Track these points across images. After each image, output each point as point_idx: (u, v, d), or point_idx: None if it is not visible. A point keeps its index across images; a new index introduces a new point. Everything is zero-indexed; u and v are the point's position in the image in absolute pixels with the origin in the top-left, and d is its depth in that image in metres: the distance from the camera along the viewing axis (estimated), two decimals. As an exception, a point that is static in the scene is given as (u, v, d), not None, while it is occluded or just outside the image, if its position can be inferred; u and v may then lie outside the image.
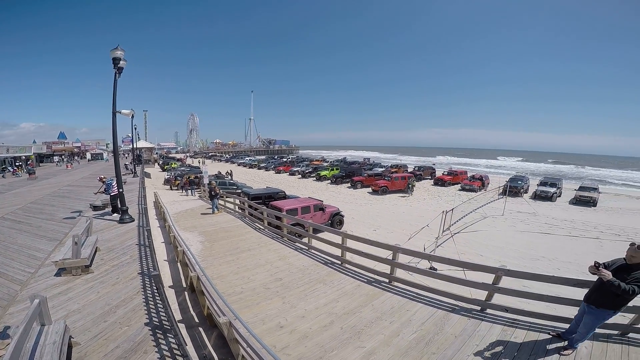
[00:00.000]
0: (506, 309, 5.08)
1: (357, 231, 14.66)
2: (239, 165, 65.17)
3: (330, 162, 59.40)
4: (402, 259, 6.93)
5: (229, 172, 39.06)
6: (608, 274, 3.43)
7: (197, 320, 5.23)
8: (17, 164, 40.45)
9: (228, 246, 9.39)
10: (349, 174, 38.23)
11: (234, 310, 3.97)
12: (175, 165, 46.78)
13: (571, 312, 4.45)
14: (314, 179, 41.78)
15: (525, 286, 6.25)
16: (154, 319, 5.00)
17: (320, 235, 9.51)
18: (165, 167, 44.55)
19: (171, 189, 26.49)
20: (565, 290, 4.73)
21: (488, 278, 5.38)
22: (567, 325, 4.37)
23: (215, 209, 14.73)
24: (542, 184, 30.06)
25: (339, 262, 7.81)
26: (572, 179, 46.86)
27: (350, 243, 7.71)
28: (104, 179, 13.17)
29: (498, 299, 5.29)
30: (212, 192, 14.78)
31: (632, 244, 3.51)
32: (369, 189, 31.77)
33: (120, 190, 11.60)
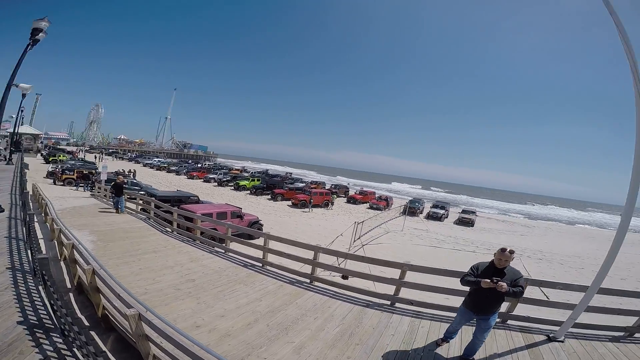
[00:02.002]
0: (411, 302, 5.70)
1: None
2: (144, 165, 58.13)
3: (252, 172, 57.84)
4: (323, 259, 7.15)
5: (132, 171, 34.57)
6: (505, 286, 3.65)
7: (87, 323, 4.39)
8: None
9: (127, 247, 8.18)
10: (270, 186, 37.91)
11: (144, 302, 3.50)
12: (64, 157, 39.00)
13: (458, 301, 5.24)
14: (232, 188, 39.98)
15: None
16: (30, 317, 4.00)
17: (239, 240, 9.06)
18: (51, 158, 36.66)
19: (55, 184, 21.98)
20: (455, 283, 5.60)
21: (395, 275, 5.98)
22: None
23: (121, 209, 12.82)
24: (434, 206, 35.45)
25: (260, 265, 7.59)
26: (458, 205, 56.03)
27: (273, 245, 7.61)
28: None
29: (405, 293, 5.87)
30: (118, 189, 12.74)
31: (503, 249, 3.77)
32: (289, 202, 32.02)
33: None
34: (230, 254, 8.30)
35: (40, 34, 8.95)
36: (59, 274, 5.92)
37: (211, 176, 45.73)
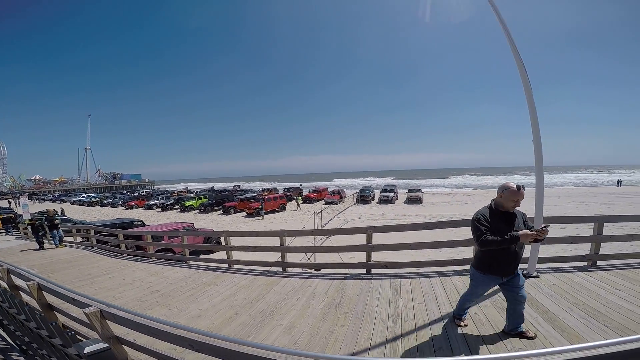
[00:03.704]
0: (385, 265, 5.87)
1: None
2: (72, 204, 51.73)
3: (196, 192, 54.84)
4: (292, 246, 7.04)
5: (60, 209, 30.63)
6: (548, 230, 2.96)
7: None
8: None
9: (76, 274, 7.26)
10: (220, 200, 36.35)
11: (103, 300, 3.08)
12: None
13: (435, 255, 5.49)
14: (178, 210, 37.53)
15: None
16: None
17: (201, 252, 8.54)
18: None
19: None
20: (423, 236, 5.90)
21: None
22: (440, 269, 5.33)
23: (60, 240, 11.54)
24: (383, 190, 37.29)
25: (226, 265, 7.21)
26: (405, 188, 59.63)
27: (237, 241, 7.30)
28: None
29: (377, 257, 6.04)
30: (34, 227, 11.31)
31: (518, 187, 3.01)
32: (243, 213, 31.08)
33: None
34: (192, 262, 7.77)
35: None
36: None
37: (152, 202, 42.51)
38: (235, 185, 74.49)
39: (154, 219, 30.88)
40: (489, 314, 3.89)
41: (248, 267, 6.96)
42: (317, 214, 17.43)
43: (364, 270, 5.98)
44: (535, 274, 4.96)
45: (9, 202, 45.60)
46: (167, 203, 40.29)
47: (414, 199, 33.62)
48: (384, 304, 4.51)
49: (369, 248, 5.94)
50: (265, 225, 24.21)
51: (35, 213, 20.17)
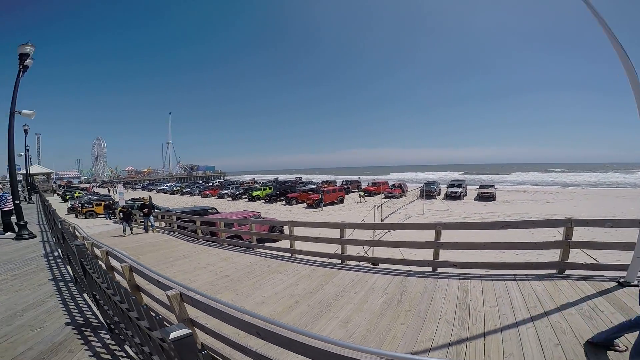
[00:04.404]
0: (454, 264, 5.46)
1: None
2: (158, 192, 59.23)
3: (262, 183, 58.22)
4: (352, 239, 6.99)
5: (149, 197, 35.30)
6: None
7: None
8: None
9: (159, 257, 8.27)
10: (283, 192, 37.98)
11: (184, 283, 3.40)
12: (80, 194, 40.08)
13: (508, 257, 5.00)
14: (246, 200, 40.30)
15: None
16: (77, 318, 4.03)
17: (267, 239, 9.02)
18: (67, 197, 37.77)
19: (77, 217, 22.66)
20: (497, 235, 5.33)
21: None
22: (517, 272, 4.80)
23: (151, 226, 13.11)
24: (451, 185, 34.61)
25: (289, 254, 7.51)
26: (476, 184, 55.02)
27: (298, 231, 7.52)
28: None
29: (445, 255, 5.65)
30: (124, 214, 13.10)
31: None
32: (304, 204, 32.04)
33: (17, 202, 9.50)
34: (258, 250, 8.28)
35: (27, 60, 9.07)
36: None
37: (224, 192, 46.40)
38: (297, 177, 77.17)
39: (225, 207, 33.64)
40: (572, 322, 3.44)
41: (309, 257, 7.14)
42: (377, 207, 17.07)
43: (430, 269, 5.68)
44: (635, 282, 4.22)
45: (108, 190, 54.07)
46: (237, 193, 43.53)
47: (485, 196, 30.79)
48: (450, 305, 4.24)
49: (437, 245, 5.61)
50: (323, 217, 24.61)
51: (129, 200, 23.57)
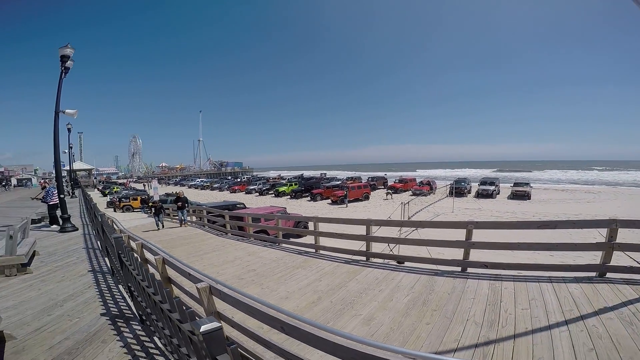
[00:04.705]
0: (485, 265, 5.23)
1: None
2: (189, 187, 61.74)
3: (288, 179, 59.00)
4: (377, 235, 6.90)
5: (181, 191, 36.91)
6: None
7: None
8: None
9: (189, 250, 8.61)
10: (308, 188, 38.28)
11: (213, 277, 3.51)
12: (118, 189, 42.75)
13: (543, 258, 4.73)
14: (273, 195, 41.04)
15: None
16: (112, 309, 4.27)
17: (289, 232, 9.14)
18: (106, 191, 40.47)
19: (115, 211, 24.19)
20: (532, 236, 5.03)
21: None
22: (552, 274, 4.53)
23: (184, 220, 13.66)
24: (483, 183, 33.13)
25: (313, 250, 7.54)
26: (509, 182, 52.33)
27: (323, 227, 7.54)
28: (46, 184, 11.65)
29: (475, 255, 5.43)
30: (155, 208, 13.69)
31: None
32: (329, 200, 32.09)
33: (61, 196, 10.28)
34: (283, 245, 8.40)
35: (68, 62, 9.64)
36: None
37: (252, 187, 47.58)
38: (322, 173, 77.37)
39: (253, 202, 34.46)
40: (610, 327, 3.22)
41: (333, 253, 7.14)
42: (404, 204, 16.72)
43: (459, 268, 5.49)
44: None
45: (144, 185, 57.02)
46: (264, 188, 44.47)
47: (520, 194, 29.15)
48: (479, 306, 4.09)
49: (467, 245, 5.41)
50: (348, 214, 24.47)
51: (163, 195, 24.74)
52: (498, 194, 31.71)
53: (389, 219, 9.30)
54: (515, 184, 31.72)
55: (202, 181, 67.84)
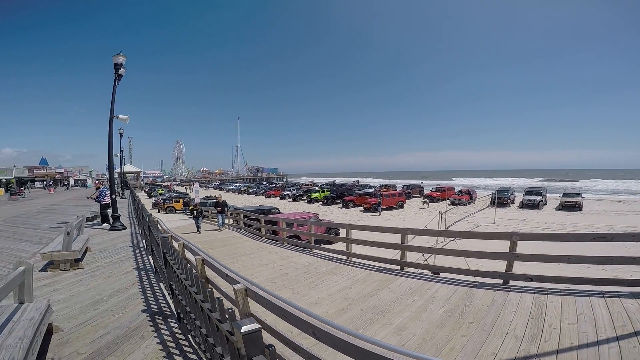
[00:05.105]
0: (530, 278, 4.87)
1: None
2: (227, 191, 64.35)
3: (320, 185, 59.40)
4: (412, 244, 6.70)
5: (220, 195, 38.65)
6: None
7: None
8: None
9: (226, 252, 8.93)
10: (340, 194, 38.21)
11: (249, 279, 3.60)
12: (162, 191, 45.82)
13: (595, 272, 4.32)
14: (305, 201, 41.48)
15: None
16: (152, 306, 4.52)
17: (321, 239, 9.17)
18: (152, 193, 43.56)
19: (159, 212, 25.89)
20: (583, 248, 4.61)
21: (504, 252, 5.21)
22: (605, 288, 4.17)
23: (222, 224, 14.02)
24: (528, 193, 31.00)
25: (345, 257, 7.49)
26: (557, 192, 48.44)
27: (355, 235, 7.47)
28: (100, 185, 12.81)
29: (519, 268, 5.08)
30: (196, 212, 14.03)
31: None
32: (361, 208, 31.76)
33: (113, 196, 11.19)
34: (315, 250, 8.45)
35: (121, 69, 10.44)
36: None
37: (285, 193, 48.54)
38: (354, 180, 77.05)
39: (286, 207, 35.05)
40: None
41: (364, 261, 7.04)
42: (441, 214, 16.13)
43: (500, 281, 5.19)
44: None
45: (186, 188, 60.33)
46: (297, 194, 45.12)
47: (570, 205, 26.87)
48: (520, 319, 3.84)
49: (511, 257, 5.09)
50: (381, 222, 24.01)
51: (203, 198, 25.96)
52: (545, 204, 29.47)
53: (425, 228, 9.00)
54: (565, 194, 29.32)
55: (239, 185, 70.42)
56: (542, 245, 5.68)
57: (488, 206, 29.56)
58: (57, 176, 63.67)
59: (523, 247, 5.22)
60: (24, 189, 40.71)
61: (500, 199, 29.47)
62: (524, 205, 29.07)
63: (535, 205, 28.36)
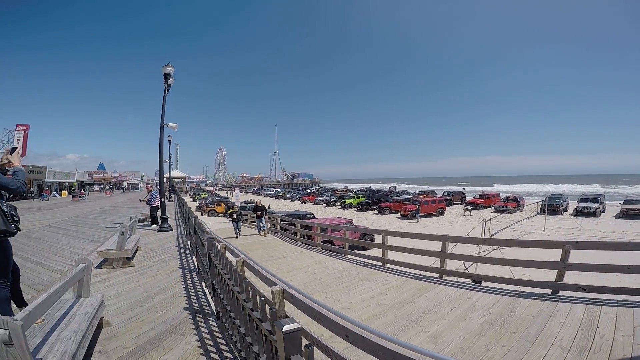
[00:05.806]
0: (583, 288, 4.48)
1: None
2: (265, 196, 66.27)
3: (355, 191, 59.00)
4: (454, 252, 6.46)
5: (259, 200, 40.00)
6: None
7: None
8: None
9: (263, 255, 9.22)
10: (375, 200, 37.65)
11: (286, 281, 3.72)
12: (205, 195, 48.47)
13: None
14: (339, 207, 41.40)
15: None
16: (194, 304, 4.79)
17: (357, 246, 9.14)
18: (196, 197, 46.37)
19: (202, 215, 27.41)
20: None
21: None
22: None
23: (263, 228, 14.10)
24: (583, 200, 28.38)
25: (380, 264, 7.40)
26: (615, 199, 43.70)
27: (391, 241, 7.35)
28: (151, 188, 13.94)
29: (570, 278, 4.71)
30: (235, 215, 14.18)
31: None
32: (398, 214, 31.04)
33: (163, 199, 12.03)
34: (349, 256, 8.45)
35: (170, 79, 11.26)
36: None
37: (320, 198, 48.92)
38: (391, 187, 75.44)
39: (321, 213, 35.22)
40: None
41: (401, 268, 6.90)
42: (485, 222, 15.32)
43: (549, 291, 4.86)
44: None
45: (227, 193, 63.02)
46: (331, 200, 45.23)
47: (633, 213, 24.14)
48: (568, 330, 3.60)
49: (562, 266, 4.76)
50: (420, 229, 23.27)
51: (242, 202, 27.01)
52: (603, 212, 26.74)
53: (467, 235, 8.67)
54: (627, 201, 26.35)
55: (276, 191, 72.39)
56: (599, 255, 5.18)
57: (537, 214, 27.50)
58: (112, 180, 70.35)
59: (576, 256, 4.83)
60: (84, 191, 45.48)
61: (552, 207, 27.30)
62: (578, 212, 26.62)
63: (592, 213, 25.88)
